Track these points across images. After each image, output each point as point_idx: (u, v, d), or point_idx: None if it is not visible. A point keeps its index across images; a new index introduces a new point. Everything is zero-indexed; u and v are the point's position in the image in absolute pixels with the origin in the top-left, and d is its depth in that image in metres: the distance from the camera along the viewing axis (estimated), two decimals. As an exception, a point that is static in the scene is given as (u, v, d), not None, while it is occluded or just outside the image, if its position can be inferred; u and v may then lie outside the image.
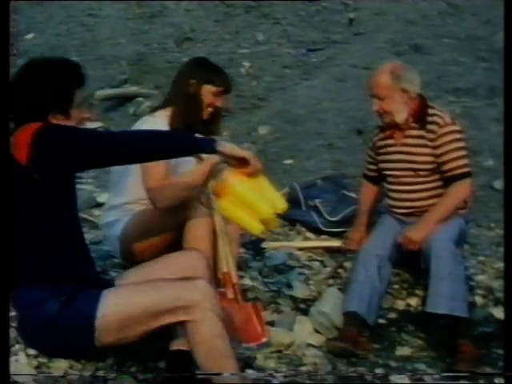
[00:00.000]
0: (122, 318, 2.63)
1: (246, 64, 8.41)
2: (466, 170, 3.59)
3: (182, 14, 10.31)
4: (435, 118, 3.59)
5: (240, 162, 2.72)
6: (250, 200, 2.73)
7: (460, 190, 3.59)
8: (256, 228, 2.75)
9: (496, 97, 6.72)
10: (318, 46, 9.01)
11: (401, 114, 3.60)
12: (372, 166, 3.88)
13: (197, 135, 2.84)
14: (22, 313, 2.74)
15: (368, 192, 3.93)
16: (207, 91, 3.37)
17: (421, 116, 3.61)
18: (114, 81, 8.02)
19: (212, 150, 2.67)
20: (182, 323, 2.65)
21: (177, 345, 2.85)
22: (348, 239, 3.94)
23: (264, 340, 3.20)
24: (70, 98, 2.74)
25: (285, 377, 3.12)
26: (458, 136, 3.60)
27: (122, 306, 2.63)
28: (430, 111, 3.63)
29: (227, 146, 2.69)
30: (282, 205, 2.82)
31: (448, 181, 3.60)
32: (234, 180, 2.72)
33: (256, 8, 10.30)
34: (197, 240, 3.14)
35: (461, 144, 3.59)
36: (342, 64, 8.19)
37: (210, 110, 3.40)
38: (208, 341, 2.63)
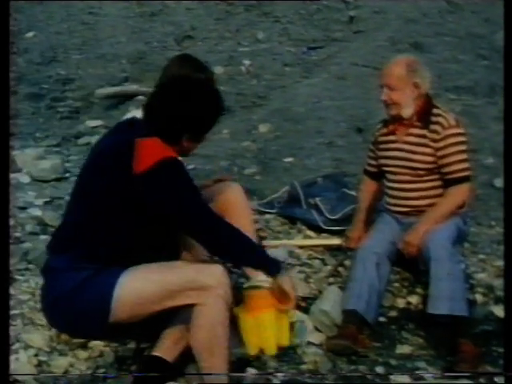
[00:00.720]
0: (137, 293, 2.69)
1: (247, 62, 8.40)
2: (465, 174, 3.57)
3: (182, 12, 10.30)
4: (439, 119, 3.57)
5: (282, 297, 2.83)
6: (265, 334, 2.86)
7: (457, 194, 3.58)
8: (252, 351, 2.91)
9: (496, 95, 6.71)
10: (319, 44, 8.99)
11: (408, 109, 3.58)
12: (373, 162, 3.87)
13: (267, 253, 2.93)
14: (56, 272, 2.78)
15: (368, 189, 3.93)
16: None
17: (425, 115, 3.59)
18: (115, 79, 8.00)
19: (272, 274, 2.80)
20: (191, 306, 2.70)
21: (159, 351, 2.86)
22: (347, 237, 3.94)
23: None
24: (210, 127, 2.92)
25: (285, 375, 3.12)
26: (461, 139, 3.58)
27: (138, 282, 2.70)
28: (435, 111, 3.61)
29: (286, 280, 2.83)
30: (286, 342, 2.97)
31: (447, 183, 3.59)
32: (264, 309, 2.84)
33: (256, 6, 10.29)
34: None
35: (463, 147, 3.58)
36: (343, 62, 8.18)
37: None
38: (210, 326, 2.69)
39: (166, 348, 2.85)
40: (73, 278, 2.71)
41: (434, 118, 3.58)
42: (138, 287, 2.69)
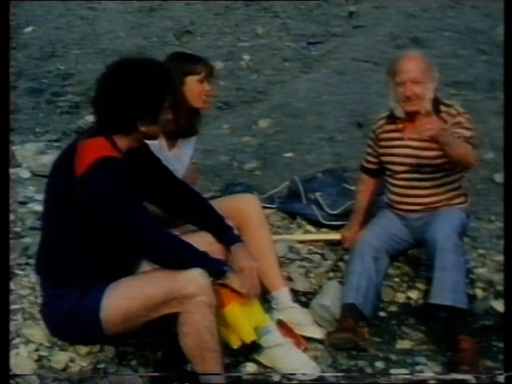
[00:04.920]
0: (122, 312, 2.69)
1: (246, 57, 8.39)
2: (471, 141, 3.46)
3: (181, 7, 10.28)
4: (449, 109, 3.55)
5: (238, 292, 2.85)
6: (237, 325, 2.90)
7: (469, 150, 3.43)
8: (235, 344, 2.93)
9: (496, 90, 6.70)
10: (318, 39, 8.98)
11: (427, 104, 3.55)
12: (372, 159, 3.84)
13: (209, 255, 2.83)
14: (46, 300, 2.85)
15: (367, 189, 3.89)
16: (192, 82, 3.36)
17: (434, 111, 3.56)
18: (114, 74, 8.00)
19: (219, 277, 2.80)
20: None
21: None
22: (342, 237, 3.93)
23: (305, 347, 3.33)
24: (162, 105, 2.75)
25: (283, 373, 3.12)
26: (469, 125, 3.52)
27: (121, 300, 2.69)
28: (442, 108, 3.58)
29: (233, 279, 2.82)
30: (264, 322, 3.04)
31: None
32: (227, 304, 2.86)
33: (256, 1, 10.27)
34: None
35: (471, 130, 3.49)
36: (342, 57, 8.17)
37: (204, 97, 3.40)
38: (196, 333, 2.67)
39: None
40: (61, 306, 2.75)
41: (441, 113, 3.55)
42: (121, 307, 2.68)
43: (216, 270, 2.79)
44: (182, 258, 2.72)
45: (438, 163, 3.57)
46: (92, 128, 2.81)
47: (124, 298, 2.68)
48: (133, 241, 2.70)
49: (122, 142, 2.75)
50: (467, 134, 3.49)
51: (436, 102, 3.58)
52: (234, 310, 2.87)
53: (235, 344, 2.92)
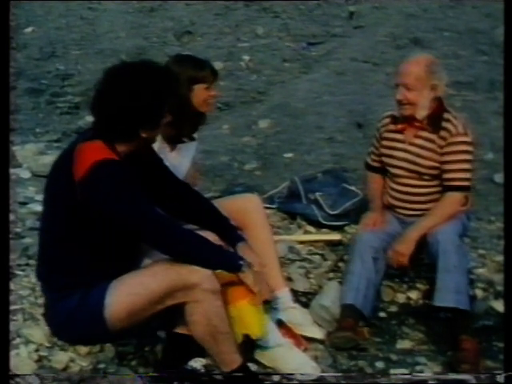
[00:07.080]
0: (127, 307, 2.69)
1: (246, 58, 8.39)
2: (463, 183, 3.51)
3: (181, 7, 10.28)
4: (448, 125, 3.50)
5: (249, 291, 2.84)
6: (247, 320, 2.91)
7: (452, 203, 3.51)
8: (237, 338, 2.90)
9: (496, 90, 6.71)
10: (318, 39, 8.99)
11: (423, 111, 3.51)
12: (376, 157, 3.81)
13: (228, 250, 2.89)
14: (49, 303, 2.83)
15: (375, 182, 3.83)
16: (200, 89, 3.34)
17: (436, 119, 3.52)
18: (114, 74, 8.00)
19: (235, 271, 2.78)
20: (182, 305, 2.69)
21: (179, 328, 2.89)
22: (370, 223, 3.73)
23: (305, 347, 3.33)
24: (163, 110, 2.72)
25: (283, 374, 3.12)
26: (465, 148, 3.50)
27: (124, 298, 2.68)
28: (445, 116, 3.54)
29: (248, 275, 2.80)
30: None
31: (445, 189, 3.53)
32: (242, 298, 2.87)
33: (256, 2, 10.28)
34: None
35: (466, 157, 3.50)
36: (342, 58, 8.17)
37: (209, 101, 3.40)
38: (206, 320, 2.69)
39: (185, 323, 2.86)
40: (63, 308, 2.73)
41: (443, 124, 3.51)
42: (126, 304, 2.67)
43: (232, 263, 2.79)
44: (197, 250, 2.71)
45: (435, 173, 3.56)
46: (90, 130, 2.77)
47: (127, 295, 2.67)
48: (144, 236, 2.69)
49: (121, 148, 2.72)
50: (460, 166, 3.49)
51: (438, 117, 3.53)
52: (244, 307, 2.88)
53: (237, 338, 2.91)
